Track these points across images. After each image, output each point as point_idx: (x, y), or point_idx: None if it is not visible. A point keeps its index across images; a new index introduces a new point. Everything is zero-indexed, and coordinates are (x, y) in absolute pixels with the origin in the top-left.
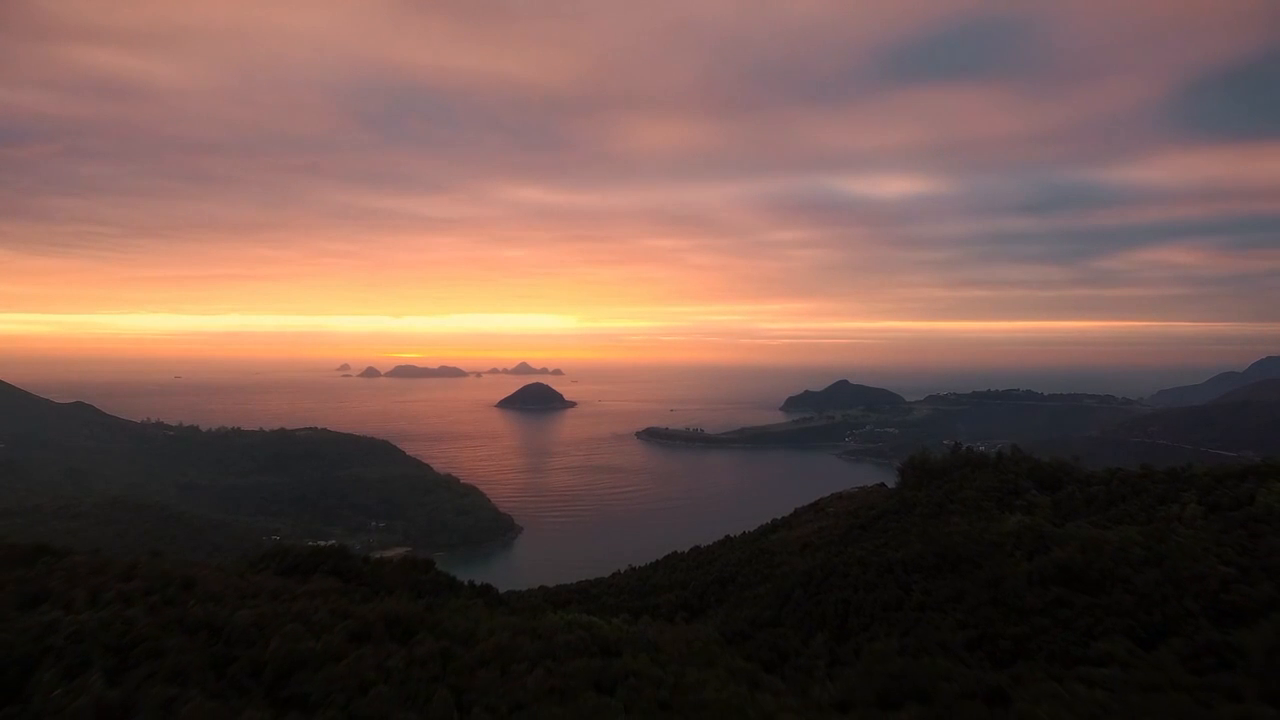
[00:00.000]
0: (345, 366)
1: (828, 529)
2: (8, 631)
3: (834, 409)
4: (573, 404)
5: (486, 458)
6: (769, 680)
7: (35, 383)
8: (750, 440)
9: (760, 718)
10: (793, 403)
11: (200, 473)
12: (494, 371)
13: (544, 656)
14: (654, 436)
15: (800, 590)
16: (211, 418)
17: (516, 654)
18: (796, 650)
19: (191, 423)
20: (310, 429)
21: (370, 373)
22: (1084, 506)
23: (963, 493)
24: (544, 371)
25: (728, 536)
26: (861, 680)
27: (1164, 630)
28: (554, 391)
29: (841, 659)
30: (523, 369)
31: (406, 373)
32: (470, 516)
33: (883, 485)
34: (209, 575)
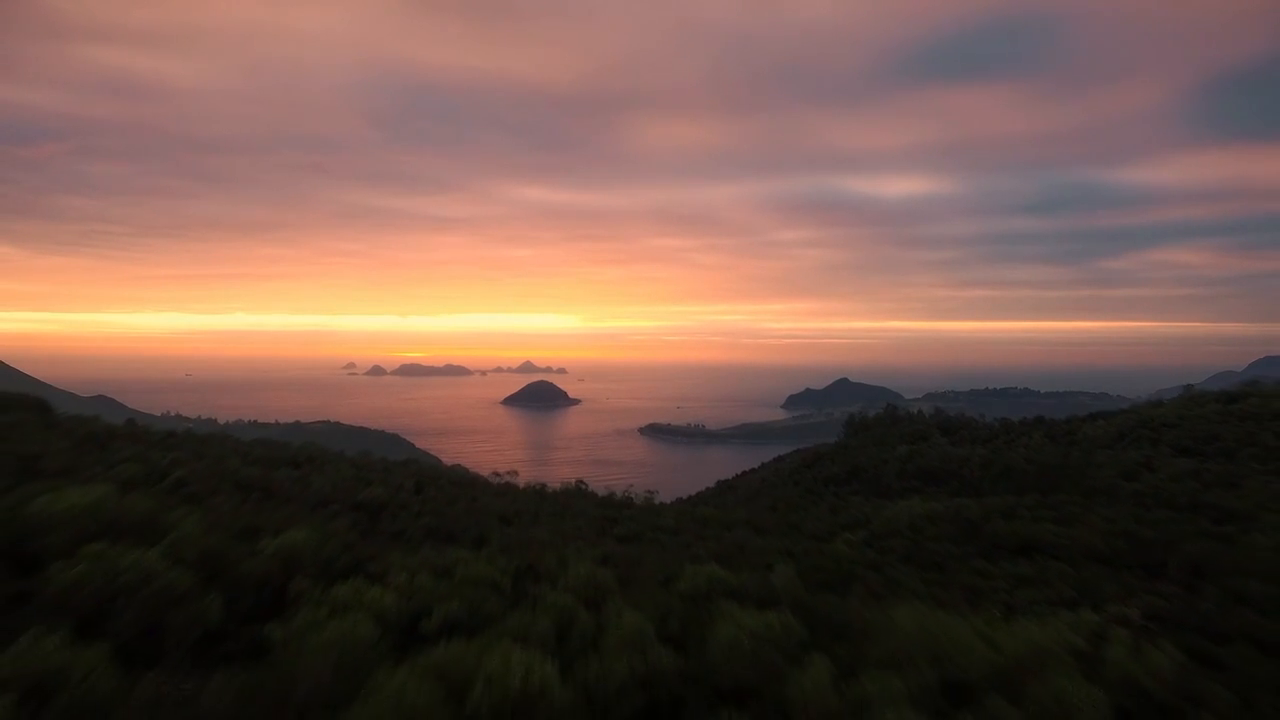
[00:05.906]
0: (351, 365)
1: (783, 470)
2: (284, 452)
3: (833, 406)
4: (577, 401)
5: (492, 451)
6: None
7: (51, 378)
8: (750, 436)
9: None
10: (793, 400)
11: None
12: (499, 370)
13: (567, 505)
14: (656, 432)
15: (750, 501)
16: (225, 412)
17: (547, 499)
18: None
19: (208, 416)
20: (324, 422)
21: (376, 371)
22: (971, 444)
23: (884, 437)
24: (548, 370)
25: (707, 488)
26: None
27: (980, 493)
28: (558, 389)
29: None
30: (527, 368)
31: (412, 371)
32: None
33: (835, 441)
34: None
